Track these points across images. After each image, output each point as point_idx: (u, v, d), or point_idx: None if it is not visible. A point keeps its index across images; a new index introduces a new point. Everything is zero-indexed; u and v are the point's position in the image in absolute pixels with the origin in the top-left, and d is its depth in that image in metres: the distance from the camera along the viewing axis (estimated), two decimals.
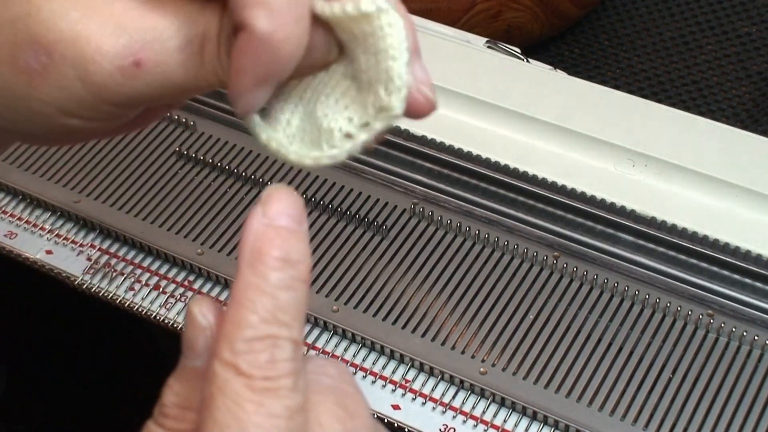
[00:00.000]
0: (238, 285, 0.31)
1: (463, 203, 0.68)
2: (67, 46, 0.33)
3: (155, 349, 0.96)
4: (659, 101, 0.82)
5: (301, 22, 0.31)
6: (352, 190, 0.69)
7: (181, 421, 0.32)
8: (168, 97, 0.34)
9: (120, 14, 0.33)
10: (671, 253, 0.64)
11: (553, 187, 0.67)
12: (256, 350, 0.30)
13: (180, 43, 0.33)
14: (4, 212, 0.71)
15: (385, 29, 0.32)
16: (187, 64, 0.33)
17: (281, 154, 0.35)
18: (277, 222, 0.31)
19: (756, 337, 0.60)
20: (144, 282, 0.66)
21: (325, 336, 0.62)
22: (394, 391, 0.60)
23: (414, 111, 0.34)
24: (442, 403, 0.59)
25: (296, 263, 0.31)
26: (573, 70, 0.95)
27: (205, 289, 0.65)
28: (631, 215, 0.65)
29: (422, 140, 0.70)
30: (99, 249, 0.68)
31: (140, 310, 0.65)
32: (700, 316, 0.61)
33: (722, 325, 0.61)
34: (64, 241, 0.69)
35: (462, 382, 0.59)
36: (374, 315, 0.63)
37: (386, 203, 0.68)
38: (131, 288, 0.66)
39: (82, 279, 0.67)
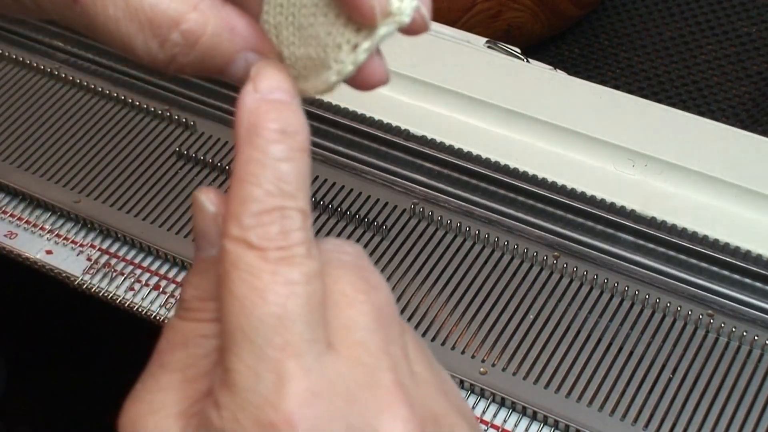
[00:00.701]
0: (238, 162, 0.30)
1: (463, 203, 0.68)
2: None
3: (155, 349, 0.96)
4: (659, 101, 0.82)
5: None
6: (352, 190, 0.69)
7: (204, 311, 0.32)
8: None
9: None
10: (671, 253, 0.64)
11: (553, 187, 0.67)
12: (265, 223, 0.30)
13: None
14: (4, 212, 0.71)
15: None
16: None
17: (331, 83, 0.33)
18: (270, 96, 0.31)
19: (756, 337, 0.60)
20: (144, 282, 0.66)
21: None
22: None
23: (409, 28, 0.33)
24: None
25: (294, 134, 0.31)
26: (573, 70, 0.95)
27: None
28: (631, 215, 0.65)
29: (422, 140, 0.70)
30: (99, 249, 0.68)
31: (140, 310, 0.65)
32: (700, 316, 0.61)
33: (722, 325, 0.61)
34: (64, 241, 0.69)
35: (462, 382, 0.59)
36: None
37: (386, 203, 0.68)
38: (131, 288, 0.66)
39: (82, 279, 0.67)
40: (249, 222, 0.30)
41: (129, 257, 0.67)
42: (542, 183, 0.67)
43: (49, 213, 0.70)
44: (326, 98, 0.72)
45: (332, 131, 0.72)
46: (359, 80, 0.33)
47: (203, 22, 0.32)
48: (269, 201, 0.30)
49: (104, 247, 0.68)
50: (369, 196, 0.69)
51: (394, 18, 0.32)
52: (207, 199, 0.32)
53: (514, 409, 0.59)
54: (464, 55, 0.75)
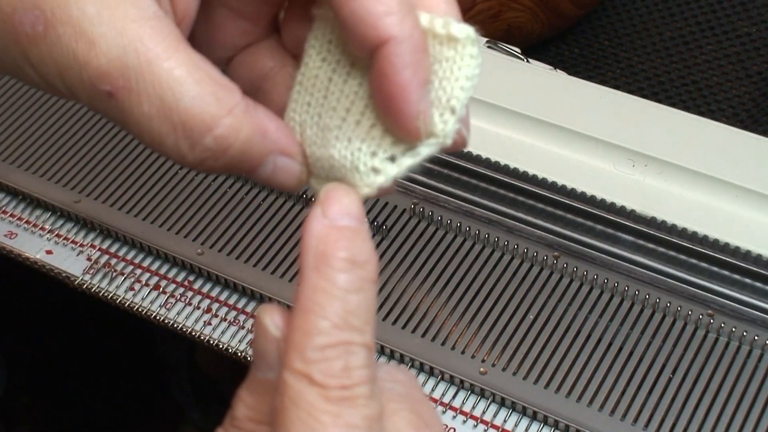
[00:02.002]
0: (304, 290, 0.29)
1: (463, 203, 0.68)
2: (64, 29, 0.31)
3: (155, 349, 0.96)
4: (659, 101, 0.82)
5: (418, 21, 0.31)
6: None
7: None
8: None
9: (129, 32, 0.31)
10: (671, 253, 0.64)
11: (553, 187, 0.67)
12: (330, 358, 0.28)
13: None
14: (4, 212, 0.71)
15: (466, 59, 0.32)
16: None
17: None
18: (340, 222, 0.30)
19: (756, 337, 0.60)
20: (144, 282, 0.66)
21: None
22: None
23: (449, 147, 0.33)
24: (442, 403, 0.59)
25: (363, 263, 0.30)
26: (573, 70, 0.95)
27: (205, 289, 0.65)
28: (631, 215, 0.65)
29: None
30: (99, 249, 0.68)
31: (140, 310, 0.65)
32: (700, 316, 0.61)
33: (722, 325, 0.61)
34: (64, 241, 0.69)
35: (462, 382, 0.59)
36: None
37: (386, 203, 0.68)
38: (131, 288, 0.66)
39: (82, 279, 0.67)
40: (313, 356, 0.28)
41: (129, 257, 0.67)
42: (542, 183, 0.67)
43: (49, 213, 0.70)
44: None
45: None
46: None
47: (237, 128, 0.31)
48: (335, 334, 0.29)
49: (104, 247, 0.68)
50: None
51: (437, 139, 0.32)
52: (272, 322, 0.31)
53: (514, 409, 0.59)
54: None
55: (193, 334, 0.63)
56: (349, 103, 0.33)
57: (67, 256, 0.68)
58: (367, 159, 0.32)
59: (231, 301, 0.65)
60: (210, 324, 0.64)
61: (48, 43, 0.31)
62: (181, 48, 0.31)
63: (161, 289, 0.65)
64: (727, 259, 0.63)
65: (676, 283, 0.63)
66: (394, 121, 0.31)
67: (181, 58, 0.31)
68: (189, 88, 0.30)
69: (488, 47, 0.76)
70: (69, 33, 0.31)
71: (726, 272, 0.63)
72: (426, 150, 0.32)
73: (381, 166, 0.32)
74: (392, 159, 0.32)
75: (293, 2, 0.35)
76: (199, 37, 0.36)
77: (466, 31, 0.32)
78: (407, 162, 0.32)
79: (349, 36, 0.31)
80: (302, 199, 0.68)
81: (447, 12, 0.32)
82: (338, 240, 0.30)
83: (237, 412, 0.31)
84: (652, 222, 0.65)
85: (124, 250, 0.68)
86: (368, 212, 0.68)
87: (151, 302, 0.65)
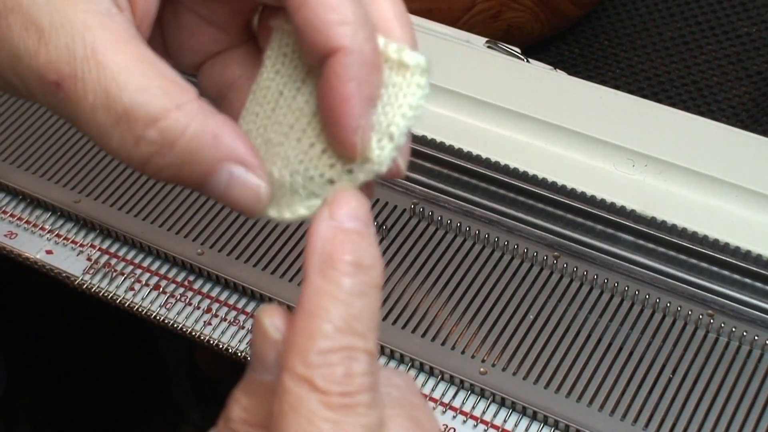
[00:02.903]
0: (308, 293, 0.29)
1: (463, 203, 0.68)
2: (15, 19, 0.30)
3: (155, 349, 0.96)
4: (659, 101, 0.82)
5: (373, 36, 0.30)
6: None
7: None
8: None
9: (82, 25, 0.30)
10: (671, 253, 0.64)
11: (553, 187, 0.67)
12: (332, 363, 0.28)
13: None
14: (4, 212, 0.71)
15: (413, 88, 0.31)
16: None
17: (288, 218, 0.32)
18: (346, 225, 0.29)
19: (756, 337, 0.60)
20: (144, 282, 0.66)
21: None
22: None
23: (384, 174, 0.32)
24: (442, 403, 0.59)
25: (369, 268, 0.29)
26: (573, 70, 0.95)
27: (205, 289, 0.65)
28: (631, 215, 0.65)
29: (422, 140, 0.70)
30: (99, 249, 0.68)
31: (140, 310, 0.65)
32: (700, 316, 0.61)
33: (722, 325, 0.61)
34: (64, 241, 0.69)
35: (462, 382, 0.59)
36: None
37: (386, 203, 0.68)
38: (131, 288, 0.66)
39: (82, 279, 0.67)
40: (315, 360, 0.28)
41: (129, 257, 0.67)
42: (542, 183, 0.67)
43: (49, 213, 0.70)
44: None
45: None
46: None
47: (184, 123, 0.30)
48: (338, 339, 0.28)
49: (104, 247, 0.68)
50: None
51: (372, 165, 0.31)
52: (272, 324, 0.30)
53: (514, 409, 0.59)
54: (464, 55, 0.75)
55: (193, 334, 0.63)
56: (293, 119, 0.32)
57: (67, 256, 0.68)
58: (306, 182, 0.32)
59: (231, 301, 0.65)
60: (210, 324, 0.64)
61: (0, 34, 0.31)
62: (132, 43, 0.30)
63: (161, 289, 0.65)
64: (727, 259, 0.63)
65: (676, 283, 0.63)
66: (333, 133, 0.31)
67: (129, 51, 0.30)
68: (134, 80, 0.30)
69: (488, 47, 0.76)
70: (19, 22, 0.30)
71: (726, 272, 0.63)
72: (363, 176, 0.31)
73: (318, 190, 0.32)
74: (331, 182, 0.32)
75: (266, 11, 0.35)
76: (170, 41, 0.36)
77: (417, 59, 0.31)
78: (344, 186, 0.31)
79: (303, 44, 0.31)
80: None
81: (402, 37, 0.32)
82: (344, 243, 0.29)
83: (232, 413, 0.30)
84: (652, 222, 0.65)
85: (124, 250, 0.68)
86: None
87: (151, 302, 0.65)
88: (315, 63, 0.31)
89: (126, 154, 0.30)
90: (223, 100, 0.36)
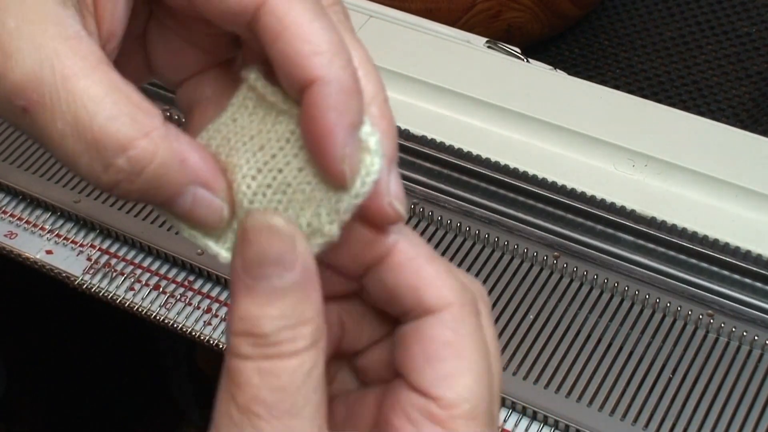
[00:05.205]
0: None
1: (463, 203, 0.68)
2: None
3: (155, 349, 0.96)
4: (659, 101, 0.82)
5: (349, 63, 0.31)
6: None
7: (299, 340, 0.31)
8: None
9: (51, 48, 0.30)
10: (671, 253, 0.64)
11: (553, 187, 0.67)
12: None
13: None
14: (4, 212, 0.71)
15: (366, 168, 0.31)
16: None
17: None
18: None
19: (756, 337, 0.60)
20: (144, 282, 0.66)
21: None
22: None
23: (381, 221, 0.32)
24: None
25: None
26: (573, 70, 0.95)
27: (205, 289, 0.65)
28: (631, 215, 0.65)
29: (422, 140, 0.70)
30: (99, 249, 0.68)
31: (140, 310, 0.65)
32: (700, 316, 0.61)
33: (722, 325, 0.61)
34: (64, 241, 0.69)
35: None
36: None
37: None
38: (131, 288, 0.66)
39: (82, 279, 0.67)
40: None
41: (129, 257, 0.67)
42: (542, 183, 0.67)
43: (49, 213, 0.70)
44: None
45: None
46: (375, 219, 0.32)
47: (152, 152, 0.30)
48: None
49: (104, 247, 0.68)
50: None
51: (322, 238, 0.31)
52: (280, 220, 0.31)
53: (514, 409, 0.59)
54: (464, 55, 0.75)
55: (193, 334, 0.63)
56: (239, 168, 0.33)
57: (67, 256, 0.68)
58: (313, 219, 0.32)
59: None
60: (210, 324, 0.64)
61: None
62: (100, 68, 0.30)
63: (161, 289, 0.65)
64: (727, 259, 0.63)
65: (676, 283, 0.63)
66: (320, 164, 0.31)
67: (98, 77, 0.30)
68: (104, 107, 0.30)
69: (488, 47, 0.76)
70: None
71: (726, 272, 0.63)
72: (314, 245, 0.32)
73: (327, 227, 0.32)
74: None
75: (248, 45, 0.35)
76: (154, 59, 0.36)
77: (370, 138, 0.31)
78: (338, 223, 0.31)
79: (281, 78, 0.31)
80: None
81: (375, 95, 0.32)
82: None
83: (265, 327, 0.31)
84: (652, 222, 0.65)
85: (124, 250, 0.68)
86: None
87: (151, 302, 0.65)
88: (294, 95, 0.31)
89: (95, 178, 0.30)
90: (187, 115, 0.36)
